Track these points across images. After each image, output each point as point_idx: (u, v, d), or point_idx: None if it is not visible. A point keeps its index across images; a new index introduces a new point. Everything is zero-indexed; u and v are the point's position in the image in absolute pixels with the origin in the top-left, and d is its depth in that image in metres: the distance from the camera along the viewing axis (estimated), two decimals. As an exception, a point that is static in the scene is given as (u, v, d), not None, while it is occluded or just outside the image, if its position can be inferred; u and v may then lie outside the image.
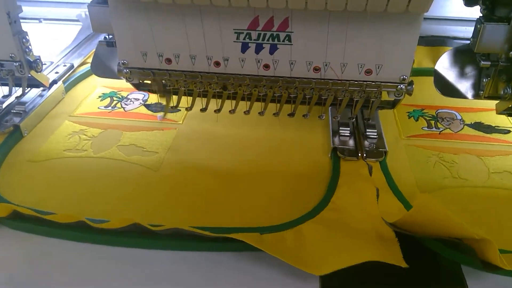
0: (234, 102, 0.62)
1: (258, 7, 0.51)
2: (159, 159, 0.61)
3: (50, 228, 0.48)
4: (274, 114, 0.63)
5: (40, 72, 0.66)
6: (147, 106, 0.74)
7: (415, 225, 0.43)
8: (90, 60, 0.89)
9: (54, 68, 0.80)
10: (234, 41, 0.55)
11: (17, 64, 0.62)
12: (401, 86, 0.56)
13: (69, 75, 0.81)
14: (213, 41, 0.55)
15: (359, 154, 0.58)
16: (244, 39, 0.54)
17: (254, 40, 0.54)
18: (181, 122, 0.70)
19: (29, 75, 0.64)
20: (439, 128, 0.68)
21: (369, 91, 0.57)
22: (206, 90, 0.60)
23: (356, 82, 0.56)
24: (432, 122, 0.70)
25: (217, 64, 0.57)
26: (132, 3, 0.53)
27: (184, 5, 0.52)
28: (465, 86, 0.65)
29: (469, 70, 0.65)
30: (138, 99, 0.76)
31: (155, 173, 0.59)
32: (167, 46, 0.56)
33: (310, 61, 0.55)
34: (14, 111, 0.67)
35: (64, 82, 0.78)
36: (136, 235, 0.47)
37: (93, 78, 0.84)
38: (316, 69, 0.56)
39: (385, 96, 0.58)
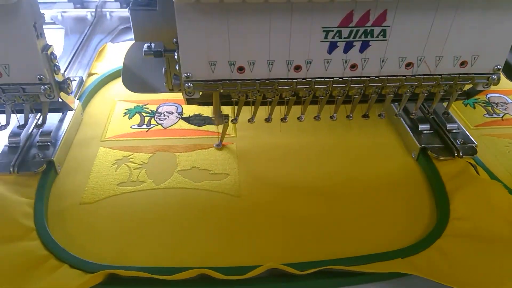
0: (298, 107, 0.56)
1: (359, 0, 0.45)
2: (234, 182, 0.53)
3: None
4: (347, 116, 0.57)
5: (70, 94, 0.54)
6: (187, 120, 0.65)
7: None
8: (95, 70, 0.77)
9: (61, 84, 0.67)
10: (322, 41, 0.48)
11: (46, 87, 0.50)
12: (493, 76, 0.53)
13: (81, 91, 0.69)
14: (299, 43, 0.48)
15: (455, 153, 0.54)
16: (333, 37, 0.48)
17: (344, 38, 0.48)
18: (234, 134, 0.62)
19: (59, 99, 0.52)
20: (498, 114, 0.66)
21: (454, 84, 0.53)
22: (271, 98, 0.53)
23: (449, 76, 0.52)
24: (489, 108, 0.68)
25: (297, 68, 0.50)
26: (206, 4, 0.44)
27: (275, 3, 0.44)
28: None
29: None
30: (173, 112, 0.67)
31: (239, 200, 0.51)
32: (243, 52, 0.48)
33: (403, 57, 0.50)
34: (39, 144, 0.55)
35: (78, 99, 0.66)
36: (272, 280, 0.41)
37: (105, 92, 0.73)
38: (408, 65, 0.51)
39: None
